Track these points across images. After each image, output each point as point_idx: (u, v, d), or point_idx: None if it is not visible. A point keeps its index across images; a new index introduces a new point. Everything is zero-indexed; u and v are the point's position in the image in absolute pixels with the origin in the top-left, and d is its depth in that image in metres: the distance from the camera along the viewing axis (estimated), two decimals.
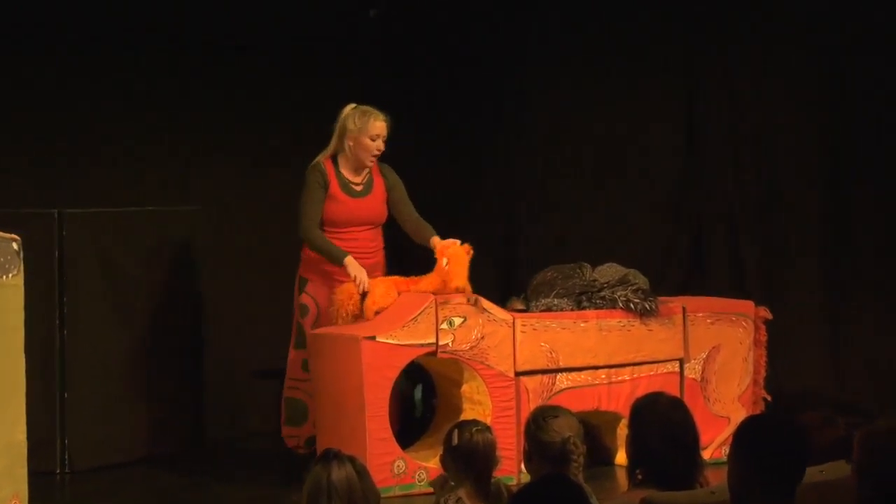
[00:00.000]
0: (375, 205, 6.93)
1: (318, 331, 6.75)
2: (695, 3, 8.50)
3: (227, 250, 8.28)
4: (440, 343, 6.56)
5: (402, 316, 6.54)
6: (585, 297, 6.98)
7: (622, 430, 6.95)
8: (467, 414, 6.67)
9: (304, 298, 6.89)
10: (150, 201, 7.90)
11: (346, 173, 6.88)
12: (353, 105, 6.87)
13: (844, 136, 8.15)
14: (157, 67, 8.15)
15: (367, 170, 6.90)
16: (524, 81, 9.00)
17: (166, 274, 7.69)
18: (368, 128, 6.80)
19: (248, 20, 8.46)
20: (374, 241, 6.94)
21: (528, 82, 8.98)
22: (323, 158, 6.86)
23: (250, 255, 8.36)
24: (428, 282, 6.68)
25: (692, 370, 7.13)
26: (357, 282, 6.65)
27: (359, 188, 6.89)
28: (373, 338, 6.42)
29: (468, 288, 6.65)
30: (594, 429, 6.92)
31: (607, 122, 8.75)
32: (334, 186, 6.82)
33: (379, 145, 6.84)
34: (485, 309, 6.67)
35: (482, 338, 6.64)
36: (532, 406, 6.36)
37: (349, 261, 6.72)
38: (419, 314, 6.51)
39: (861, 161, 8.09)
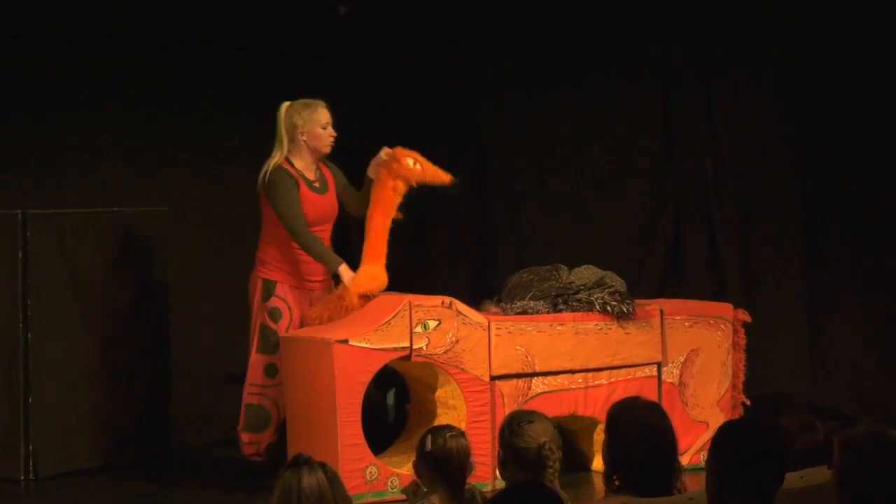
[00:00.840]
0: (335, 200, 7.00)
1: (289, 334, 6.75)
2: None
3: (195, 252, 8.27)
4: (414, 347, 6.56)
5: (375, 319, 6.55)
6: (562, 300, 6.99)
7: (599, 436, 6.94)
8: (441, 419, 6.68)
9: (275, 302, 6.86)
10: (117, 202, 7.88)
11: (305, 172, 6.89)
12: (287, 103, 6.89)
13: (827, 136, 8.19)
14: (123, 68, 8.15)
15: (316, 167, 6.91)
16: (498, 79, 9.04)
17: (133, 276, 7.68)
18: (317, 118, 6.86)
19: (214, 20, 8.47)
20: (329, 238, 6.98)
21: (502, 80, 9.01)
22: (279, 162, 6.84)
23: (219, 256, 8.35)
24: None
25: (670, 374, 7.15)
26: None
27: (318, 185, 6.92)
28: (345, 341, 6.42)
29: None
30: (570, 434, 6.94)
31: (582, 122, 8.79)
32: (302, 185, 6.83)
33: (331, 132, 6.90)
34: (459, 312, 6.67)
35: (457, 341, 6.64)
36: (507, 411, 6.35)
37: (344, 268, 6.75)
38: (393, 317, 6.51)
39: (843, 162, 8.13)
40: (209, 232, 8.42)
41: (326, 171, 7.01)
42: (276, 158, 6.84)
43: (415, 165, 6.78)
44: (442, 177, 6.87)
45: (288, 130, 6.85)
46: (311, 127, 6.85)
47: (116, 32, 8.03)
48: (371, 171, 6.92)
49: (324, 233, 6.91)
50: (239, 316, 7.38)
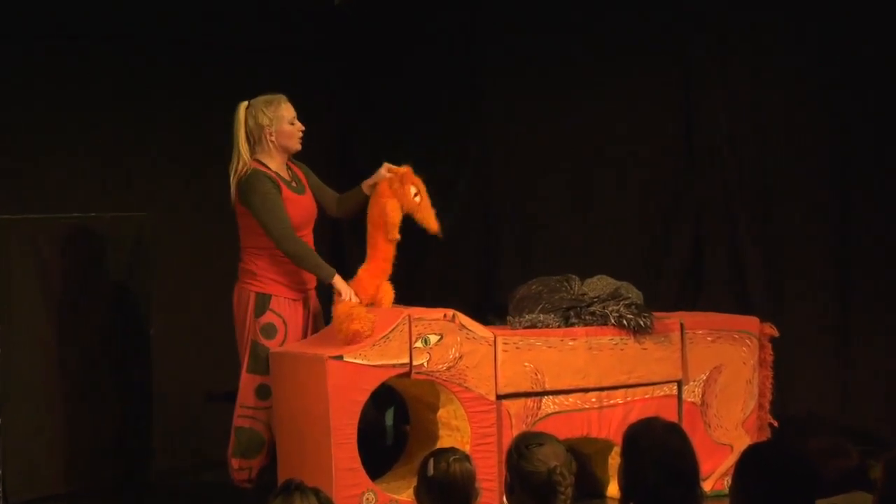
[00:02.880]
0: (313, 200, 6.99)
1: (279, 350, 6.74)
2: None
3: (177, 260, 8.27)
4: (414, 363, 6.55)
5: (372, 333, 6.55)
6: (574, 313, 6.99)
7: (614, 459, 6.97)
8: (444, 441, 6.69)
9: (269, 317, 6.80)
10: (93, 207, 7.89)
11: (280, 173, 6.89)
12: (245, 103, 6.86)
13: (857, 137, 8.21)
14: (99, 70, 8.18)
15: (287, 167, 6.91)
16: (504, 76, 9.05)
17: (110, 287, 7.70)
18: (282, 114, 6.84)
19: (192, 20, 8.50)
20: (312, 241, 6.99)
21: (509, 77, 9.02)
22: (252, 166, 6.80)
23: (204, 265, 8.34)
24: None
25: (691, 393, 7.15)
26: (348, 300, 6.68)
27: (294, 185, 6.92)
28: (340, 357, 6.40)
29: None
30: (583, 457, 6.93)
31: (595, 123, 8.80)
32: (283, 188, 6.83)
33: (299, 126, 6.88)
34: (463, 326, 6.67)
35: (460, 357, 6.64)
36: (515, 432, 6.35)
37: (338, 279, 6.75)
38: (391, 331, 6.50)
39: (876, 161, 8.14)
40: (193, 238, 8.40)
41: (297, 170, 6.99)
42: (240, 164, 6.78)
43: (415, 197, 6.77)
44: (432, 223, 6.83)
45: (252, 132, 6.81)
46: (279, 125, 6.82)
47: (92, 30, 8.06)
48: (369, 181, 6.91)
49: (307, 237, 6.91)
50: (225, 329, 7.39)
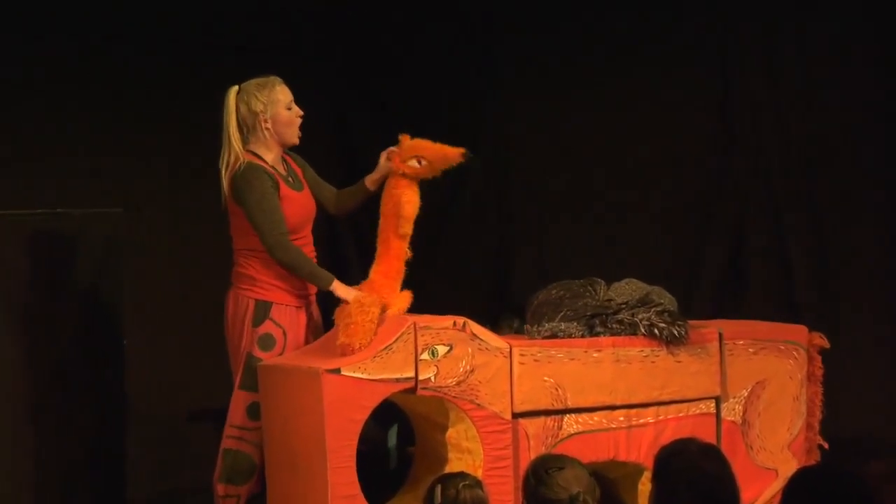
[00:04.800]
0: (311, 197, 6.97)
1: (269, 362, 6.73)
2: None
3: (155, 262, 8.34)
4: (420, 377, 6.54)
5: (373, 344, 6.53)
6: (599, 321, 6.99)
7: (644, 486, 6.95)
8: (453, 465, 6.68)
9: (268, 327, 6.78)
10: (62, 202, 7.90)
11: (277, 167, 6.85)
12: (235, 88, 6.82)
13: None
14: (72, 66, 8.25)
15: (283, 160, 6.88)
16: (519, 60, 9.14)
17: (79, 291, 7.72)
18: (277, 97, 6.80)
19: (170, 14, 8.62)
20: (312, 242, 6.97)
21: (524, 60, 9.11)
22: (243, 159, 6.74)
23: (185, 268, 8.42)
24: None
25: (731, 411, 7.15)
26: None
27: (291, 180, 6.89)
28: (337, 371, 6.40)
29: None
30: (609, 483, 6.94)
31: (623, 110, 8.86)
32: (281, 185, 6.79)
33: (297, 111, 6.85)
34: (475, 335, 6.66)
35: (472, 371, 6.63)
36: (533, 455, 6.38)
37: (337, 284, 6.70)
38: (394, 342, 6.49)
39: None
40: (173, 238, 8.48)
41: (293, 164, 6.98)
42: (232, 157, 6.73)
43: (421, 163, 6.74)
44: (450, 157, 6.77)
45: (246, 120, 6.78)
46: (274, 110, 6.79)
47: (70, 28, 8.17)
48: (373, 175, 6.88)
49: (305, 238, 6.87)
50: (210, 340, 7.40)
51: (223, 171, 6.73)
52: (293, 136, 6.85)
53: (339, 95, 9.35)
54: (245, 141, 6.78)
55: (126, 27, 8.40)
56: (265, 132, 6.79)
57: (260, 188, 6.68)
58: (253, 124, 6.78)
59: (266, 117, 6.78)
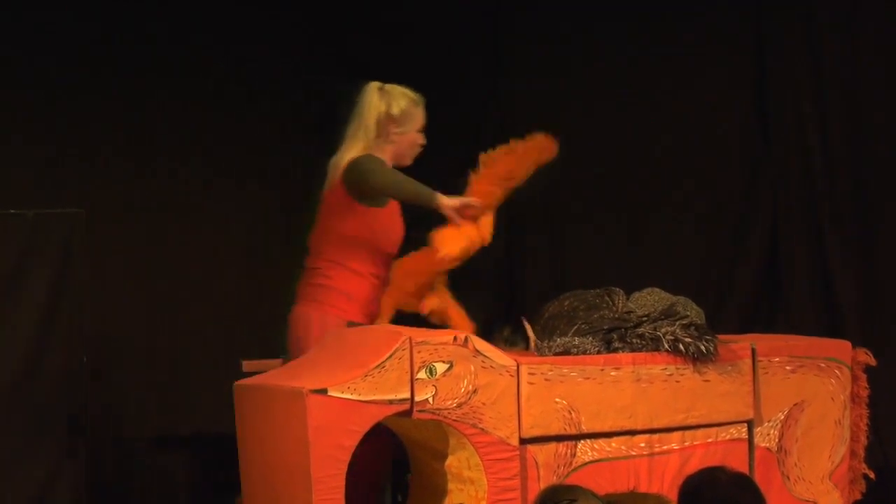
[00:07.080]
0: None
1: (247, 381, 6.74)
2: None
3: (120, 269, 8.33)
4: (416, 399, 6.53)
5: (364, 361, 6.53)
6: (617, 336, 7.00)
7: None
8: (454, 496, 6.70)
9: None
10: (15, 203, 7.94)
11: None
12: (376, 84, 6.95)
13: None
14: (35, 65, 8.40)
15: None
16: (529, 41, 9.28)
17: (33, 300, 7.75)
18: (417, 117, 6.97)
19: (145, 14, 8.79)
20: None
21: (534, 41, 9.25)
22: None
23: (154, 276, 8.41)
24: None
25: (765, 436, 7.15)
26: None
27: None
28: (323, 391, 6.39)
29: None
30: None
31: (646, 100, 8.93)
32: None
33: (422, 139, 7.01)
34: (478, 352, 6.66)
35: (474, 391, 6.63)
36: (543, 485, 6.38)
37: (442, 198, 6.77)
38: (387, 359, 6.48)
39: None
40: (140, 242, 8.49)
41: None
42: (355, 149, 6.87)
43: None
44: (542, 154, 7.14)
45: (379, 121, 6.92)
46: (410, 125, 6.96)
47: (36, 30, 8.41)
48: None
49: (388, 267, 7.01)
50: (178, 359, 7.42)
51: (339, 162, 6.88)
52: (408, 159, 7.01)
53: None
54: (372, 143, 6.94)
55: (82, 24, 8.56)
56: (390, 141, 6.94)
57: (381, 163, 6.83)
58: (384, 128, 6.93)
59: (398, 129, 6.92)
